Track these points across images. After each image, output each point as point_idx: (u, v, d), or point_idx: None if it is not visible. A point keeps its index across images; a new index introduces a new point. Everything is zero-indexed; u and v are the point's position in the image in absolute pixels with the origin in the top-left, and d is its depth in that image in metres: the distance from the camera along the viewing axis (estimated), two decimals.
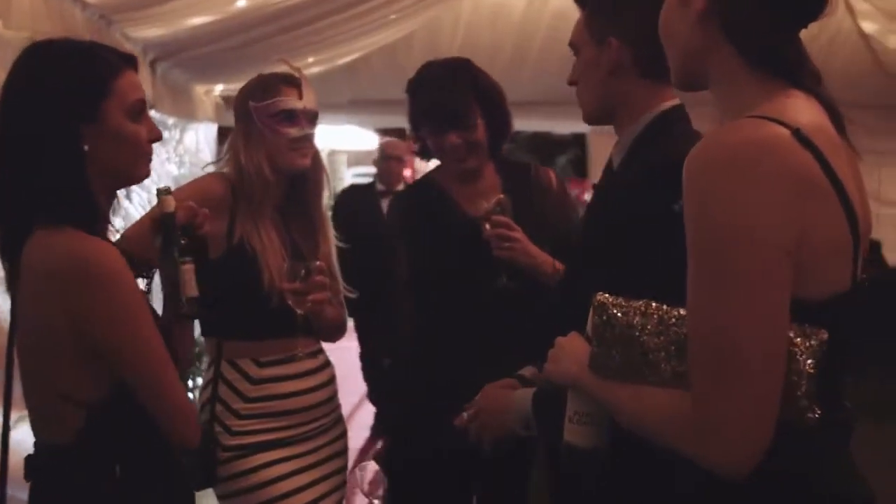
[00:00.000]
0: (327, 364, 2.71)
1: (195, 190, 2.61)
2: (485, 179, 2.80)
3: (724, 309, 1.26)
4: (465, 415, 2.12)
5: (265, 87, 2.59)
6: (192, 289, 1.91)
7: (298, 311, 2.44)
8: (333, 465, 2.66)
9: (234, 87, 7.39)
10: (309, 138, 2.59)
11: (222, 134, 7.57)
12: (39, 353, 1.74)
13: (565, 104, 3.16)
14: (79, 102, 1.72)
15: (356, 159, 18.03)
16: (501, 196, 2.58)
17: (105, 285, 1.66)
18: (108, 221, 1.85)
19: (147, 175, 1.87)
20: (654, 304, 1.39)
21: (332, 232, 2.70)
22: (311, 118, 2.59)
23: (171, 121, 6.21)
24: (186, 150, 6.62)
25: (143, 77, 5.24)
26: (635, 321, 1.38)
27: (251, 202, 2.54)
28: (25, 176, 1.71)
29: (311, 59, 6.88)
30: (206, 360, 2.74)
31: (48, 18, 3.51)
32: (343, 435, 2.75)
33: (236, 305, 2.54)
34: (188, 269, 1.91)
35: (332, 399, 2.71)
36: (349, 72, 7.10)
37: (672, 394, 1.34)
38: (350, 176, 16.34)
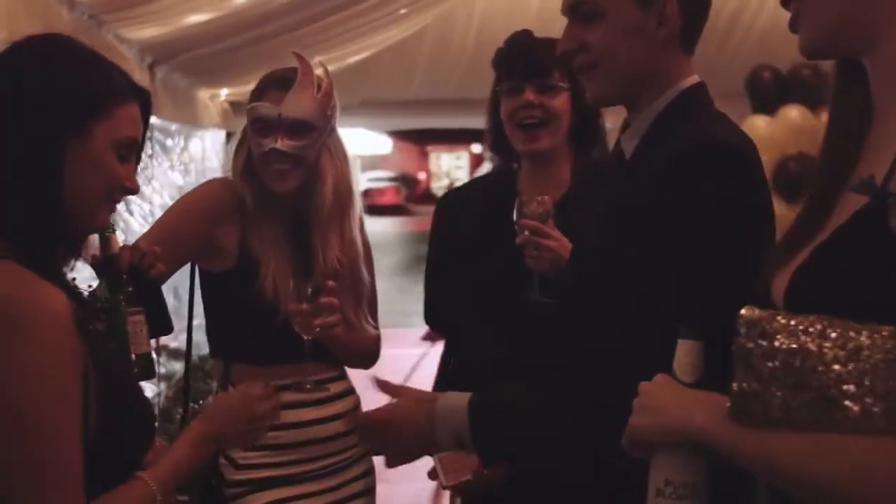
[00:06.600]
0: (348, 392, 2.41)
1: (197, 196, 2.37)
2: (555, 176, 2.42)
3: None
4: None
5: (258, 87, 2.31)
6: (142, 344, 1.62)
7: (304, 337, 2.16)
8: None
9: (242, 90, 7.22)
10: (289, 156, 2.22)
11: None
12: None
13: None
14: (70, 109, 1.43)
15: (370, 164, 17.82)
16: (544, 197, 2.26)
17: (19, 336, 1.29)
18: (62, 265, 1.50)
19: (104, 225, 1.57)
20: (832, 321, 1.00)
21: (359, 249, 2.39)
22: (294, 129, 2.21)
23: (173, 127, 5.97)
24: (192, 158, 6.37)
25: (142, 82, 5.01)
26: (810, 346, 1.00)
27: (249, 212, 2.26)
28: None
29: (317, 59, 6.64)
30: (214, 385, 2.46)
31: (28, 19, 3.24)
32: (368, 474, 2.43)
33: (241, 325, 2.26)
34: (137, 322, 1.62)
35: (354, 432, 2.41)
36: (359, 72, 6.83)
37: (887, 445, 0.97)
38: (365, 181, 16.13)
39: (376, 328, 2.45)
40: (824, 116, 4.90)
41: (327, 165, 2.29)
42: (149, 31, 4.44)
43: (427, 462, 1.87)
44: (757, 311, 1.04)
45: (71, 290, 1.45)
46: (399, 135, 30.39)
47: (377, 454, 1.83)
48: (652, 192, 1.54)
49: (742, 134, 1.60)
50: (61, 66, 1.46)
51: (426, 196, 38.10)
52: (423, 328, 10.00)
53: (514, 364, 2.24)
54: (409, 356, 8.66)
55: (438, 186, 40.85)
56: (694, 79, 1.66)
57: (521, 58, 2.42)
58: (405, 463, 1.77)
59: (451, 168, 40.61)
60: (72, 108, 1.43)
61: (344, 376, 2.41)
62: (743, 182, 1.52)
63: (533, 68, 2.40)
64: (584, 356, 1.66)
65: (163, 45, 4.69)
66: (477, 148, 36.07)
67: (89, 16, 3.96)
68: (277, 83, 2.25)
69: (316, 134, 2.24)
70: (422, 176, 39.98)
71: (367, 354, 2.43)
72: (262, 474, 2.26)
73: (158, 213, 5.37)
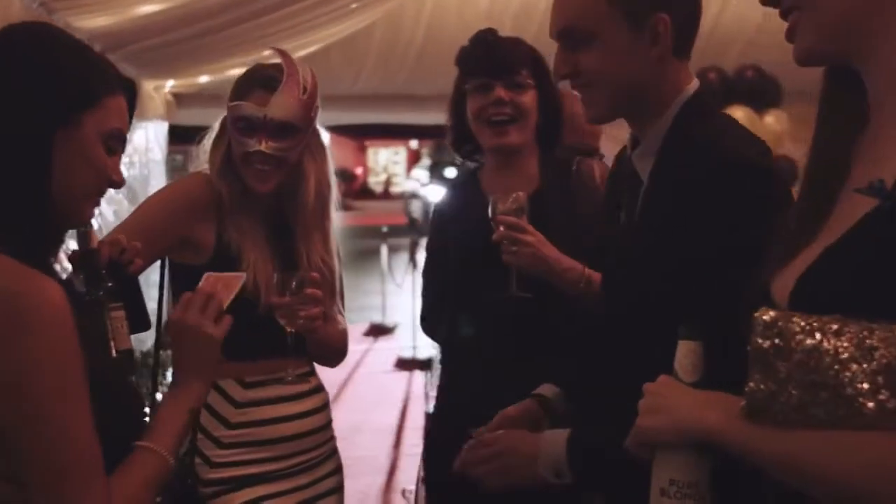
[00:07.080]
0: (319, 388, 2.40)
1: (172, 193, 2.35)
2: (523, 172, 2.47)
3: None
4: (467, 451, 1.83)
5: (242, 84, 2.26)
6: (123, 340, 1.59)
7: (288, 329, 2.14)
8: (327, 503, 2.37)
9: (186, 83, 7.12)
10: (272, 158, 2.20)
11: (174, 133, 7.22)
12: None
13: None
14: (61, 100, 1.41)
15: None
16: (519, 193, 2.28)
17: (27, 331, 1.28)
18: (53, 256, 1.48)
19: (89, 219, 1.54)
20: (847, 320, 1.02)
21: (333, 246, 2.38)
22: (279, 130, 2.19)
23: None
24: (136, 150, 6.26)
25: None
26: (825, 345, 1.01)
27: (226, 207, 2.25)
28: None
29: (266, 52, 6.58)
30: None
31: None
32: (338, 471, 2.43)
33: None
34: (118, 317, 1.59)
35: (325, 428, 2.39)
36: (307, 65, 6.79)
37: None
38: None
39: (343, 324, 2.45)
40: (768, 118, 5.03)
41: (309, 165, 2.29)
42: (99, 21, 4.37)
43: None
44: (772, 312, 1.05)
45: (62, 283, 1.43)
46: (336, 129, 30.14)
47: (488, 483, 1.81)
48: (677, 208, 1.53)
49: (761, 144, 1.58)
50: (51, 56, 1.43)
51: (363, 191, 37.92)
52: (366, 324, 10.06)
53: (502, 360, 2.28)
54: (351, 352, 8.57)
55: (376, 182, 40.69)
56: (695, 84, 1.64)
57: (488, 56, 2.45)
58: (502, 487, 1.79)
59: (388, 163, 40.47)
60: (63, 98, 1.41)
61: (314, 373, 2.40)
62: (770, 202, 1.48)
63: (501, 66, 2.43)
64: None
65: (112, 35, 4.61)
66: (415, 143, 36.04)
67: (39, 3, 3.88)
68: (263, 83, 2.21)
69: (300, 136, 2.22)
70: (359, 171, 39.79)
71: (339, 349, 2.42)
72: (238, 472, 2.24)
73: (105, 207, 5.28)
